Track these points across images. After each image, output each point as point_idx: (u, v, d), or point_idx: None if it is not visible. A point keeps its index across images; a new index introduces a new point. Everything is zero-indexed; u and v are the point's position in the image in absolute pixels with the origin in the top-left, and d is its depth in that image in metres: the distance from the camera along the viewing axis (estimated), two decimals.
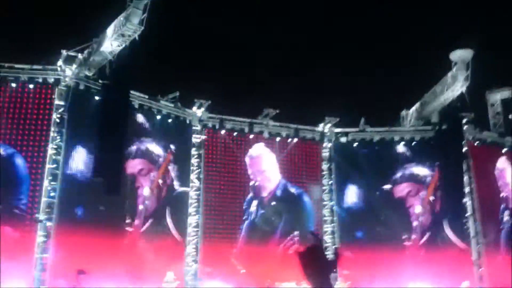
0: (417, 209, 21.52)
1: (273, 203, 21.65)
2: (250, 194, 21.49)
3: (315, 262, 2.13)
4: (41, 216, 15.98)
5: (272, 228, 21.00)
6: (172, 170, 19.77)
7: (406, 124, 22.30)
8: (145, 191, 18.78)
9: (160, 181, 19.27)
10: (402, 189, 21.85)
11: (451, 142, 20.72)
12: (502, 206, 22.01)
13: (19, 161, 16.54)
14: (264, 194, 21.82)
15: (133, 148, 18.79)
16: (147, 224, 18.46)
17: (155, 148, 19.46)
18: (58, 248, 15.83)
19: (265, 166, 22.16)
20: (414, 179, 21.86)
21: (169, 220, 18.95)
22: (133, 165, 18.75)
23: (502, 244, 21.41)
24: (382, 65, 21.01)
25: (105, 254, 16.27)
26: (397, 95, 21.48)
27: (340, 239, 21.27)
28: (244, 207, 21.05)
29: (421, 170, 21.92)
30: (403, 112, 22.44)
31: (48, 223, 16.05)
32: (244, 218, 20.87)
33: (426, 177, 21.81)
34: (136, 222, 18.25)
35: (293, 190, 22.31)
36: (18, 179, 16.40)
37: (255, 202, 21.48)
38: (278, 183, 22.17)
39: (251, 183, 21.58)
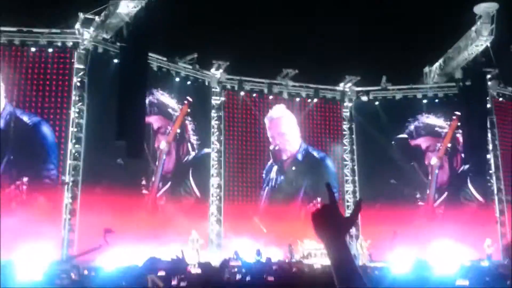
0: (433, 160, 21.28)
1: (294, 167, 21.41)
2: (270, 161, 21.24)
3: (329, 222, 1.89)
4: (67, 178, 16.25)
5: (293, 191, 20.91)
6: (190, 124, 19.64)
7: (429, 81, 21.86)
8: (162, 144, 18.75)
9: (178, 131, 19.18)
10: (420, 142, 21.52)
11: (475, 98, 20.30)
12: None
13: (46, 129, 16.66)
14: (284, 157, 21.53)
15: (148, 100, 18.35)
16: (169, 184, 18.62)
17: (171, 102, 19.32)
18: (84, 209, 16.14)
19: (285, 128, 21.82)
20: (433, 132, 21.52)
21: (192, 181, 19.11)
22: (150, 122, 18.59)
23: None
24: (403, 20, 20.39)
25: (130, 214, 16.56)
26: (419, 51, 20.94)
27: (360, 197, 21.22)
28: (263, 175, 20.85)
29: (440, 122, 21.61)
30: (426, 69, 21.96)
31: (74, 186, 16.33)
32: (264, 185, 20.78)
33: (444, 129, 21.55)
34: (157, 182, 18.40)
35: (315, 153, 22.02)
36: (46, 148, 16.55)
37: (275, 168, 21.25)
38: (299, 146, 21.87)
39: (271, 147, 21.32)
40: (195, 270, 11.36)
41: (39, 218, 15.27)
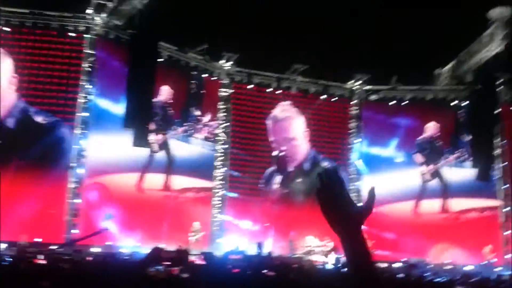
0: (442, 162, 20.83)
1: (299, 179, 19.88)
2: (272, 168, 19.82)
3: (341, 213, 1.73)
4: (72, 163, 16.30)
5: (299, 203, 19.53)
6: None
7: (439, 83, 21.69)
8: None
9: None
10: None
11: (485, 103, 20.13)
12: None
13: (65, 132, 16.32)
14: (290, 168, 19.79)
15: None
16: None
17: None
18: (89, 194, 16.20)
19: (293, 132, 20.30)
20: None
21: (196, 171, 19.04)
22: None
23: None
24: (416, 21, 20.22)
25: (134, 200, 16.61)
26: (431, 52, 20.75)
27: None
28: (262, 183, 19.63)
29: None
30: (437, 71, 21.80)
31: (79, 170, 16.38)
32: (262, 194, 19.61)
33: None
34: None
35: (325, 164, 20.25)
36: (65, 151, 16.31)
37: (278, 178, 19.73)
38: (306, 154, 20.33)
39: (274, 153, 19.85)
40: (198, 260, 11.37)
41: (43, 201, 15.35)
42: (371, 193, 1.88)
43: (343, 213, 1.73)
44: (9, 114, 15.88)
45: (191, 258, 10.62)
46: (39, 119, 16.07)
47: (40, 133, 15.99)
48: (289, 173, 20.00)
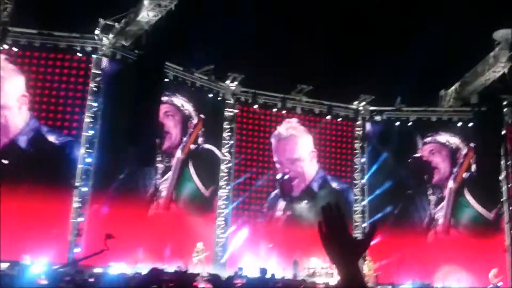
0: (450, 184, 20.70)
1: (306, 201, 19.11)
2: (276, 191, 19.03)
3: (340, 245, 1.82)
4: (77, 182, 16.32)
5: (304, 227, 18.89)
6: (202, 137, 19.28)
7: (444, 105, 21.71)
8: (178, 153, 18.33)
9: (192, 147, 18.90)
10: (426, 149, 20.75)
11: (489, 124, 20.12)
12: None
13: (77, 152, 16.40)
14: (296, 193, 19.08)
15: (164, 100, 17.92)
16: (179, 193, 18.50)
17: (187, 105, 18.93)
18: (93, 214, 16.17)
19: (299, 152, 19.63)
20: (441, 144, 20.95)
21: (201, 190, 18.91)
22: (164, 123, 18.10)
23: None
24: (421, 42, 20.33)
25: (137, 222, 16.56)
26: (436, 74, 20.80)
27: (370, 218, 20.99)
28: (266, 207, 19.10)
29: (451, 139, 21.10)
30: (442, 92, 21.83)
31: (84, 189, 16.40)
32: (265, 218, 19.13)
33: (457, 146, 20.92)
34: (170, 190, 18.26)
35: (335, 185, 19.59)
36: (76, 169, 16.38)
37: (282, 204, 18.99)
38: (315, 173, 19.60)
39: (278, 176, 19.14)
40: (203, 283, 11.29)
41: (45, 220, 15.33)
42: (372, 228, 2.04)
43: (342, 246, 1.82)
44: (21, 132, 16.00)
45: (195, 281, 10.54)
46: (51, 138, 16.18)
47: (52, 153, 16.05)
48: (294, 198, 19.40)
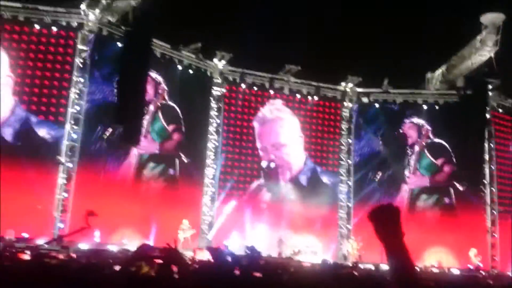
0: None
1: (293, 196, 18.60)
2: (260, 181, 18.55)
3: (389, 224, 2.01)
4: (63, 158, 16.23)
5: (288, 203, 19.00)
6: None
7: (430, 87, 21.86)
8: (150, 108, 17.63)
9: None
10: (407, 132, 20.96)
11: (474, 108, 20.33)
12: None
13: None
14: (282, 182, 18.44)
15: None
16: (163, 170, 18.39)
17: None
18: (78, 190, 16.13)
19: (285, 137, 19.10)
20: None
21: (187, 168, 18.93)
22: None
23: None
24: (409, 25, 20.35)
25: (123, 197, 16.56)
26: (423, 56, 20.91)
27: (354, 198, 21.15)
28: (250, 188, 18.75)
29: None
30: (428, 75, 21.96)
31: (69, 165, 16.32)
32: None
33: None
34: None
35: (325, 179, 18.98)
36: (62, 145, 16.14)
37: (267, 194, 18.48)
38: (303, 164, 19.01)
39: (262, 163, 18.56)
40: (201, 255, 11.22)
41: (31, 195, 15.25)
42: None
43: (392, 226, 2.04)
44: (7, 122, 15.60)
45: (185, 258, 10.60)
46: (42, 132, 15.83)
47: (41, 146, 15.74)
48: (280, 188, 18.83)
